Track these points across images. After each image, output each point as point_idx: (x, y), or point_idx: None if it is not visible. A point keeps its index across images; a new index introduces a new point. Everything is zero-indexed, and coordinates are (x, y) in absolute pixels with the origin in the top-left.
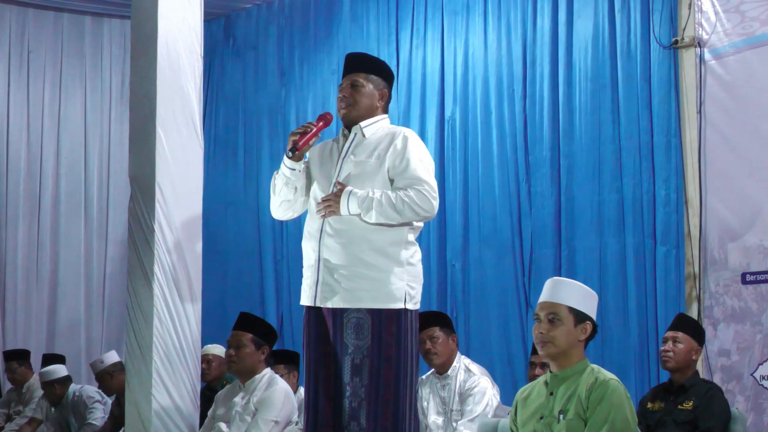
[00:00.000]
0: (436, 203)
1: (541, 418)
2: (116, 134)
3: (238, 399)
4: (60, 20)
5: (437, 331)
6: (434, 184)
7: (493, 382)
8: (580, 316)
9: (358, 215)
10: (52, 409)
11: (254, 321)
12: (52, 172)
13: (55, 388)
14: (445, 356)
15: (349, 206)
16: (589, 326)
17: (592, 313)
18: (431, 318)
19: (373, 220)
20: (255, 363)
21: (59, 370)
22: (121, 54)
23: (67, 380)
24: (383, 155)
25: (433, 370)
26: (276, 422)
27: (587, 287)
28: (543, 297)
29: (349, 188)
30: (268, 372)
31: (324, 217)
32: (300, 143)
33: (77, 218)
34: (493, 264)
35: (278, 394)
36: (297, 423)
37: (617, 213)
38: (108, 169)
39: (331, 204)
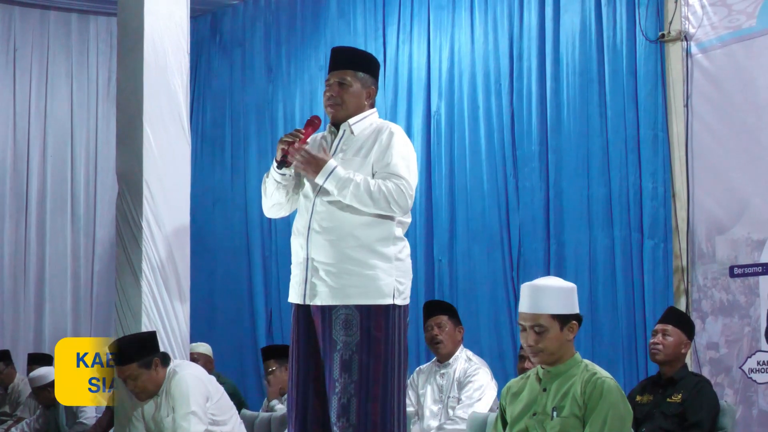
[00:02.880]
0: (411, 201)
1: (534, 414)
2: (103, 132)
3: (163, 413)
4: (46, 18)
5: (445, 320)
6: (413, 182)
7: (492, 376)
8: (564, 319)
9: (337, 198)
10: (38, 410)
11: (128, 346)
12: (38, 169)
13: (49, 392)
14: (451, 345)
15: (327, 182)
16: (575, 324)
17: (575, 307)
18: (440, 307)
19: (345, 201)
20: (156, 379)
21: (49, 374)
22: (107, 51)
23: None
24: (369, 151)
25: (435, 359)
26: (193, 412)
27: (564, 283)
28: (523, 307)
29: (333, 164)
30: (168, 373)
31: (292, 164)
32: (290, 154)
33: (64, 216)
34: (481, 259)
35: (182, 386)
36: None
37: (605, 207)
38: (95, 167)
39: (309, 166)
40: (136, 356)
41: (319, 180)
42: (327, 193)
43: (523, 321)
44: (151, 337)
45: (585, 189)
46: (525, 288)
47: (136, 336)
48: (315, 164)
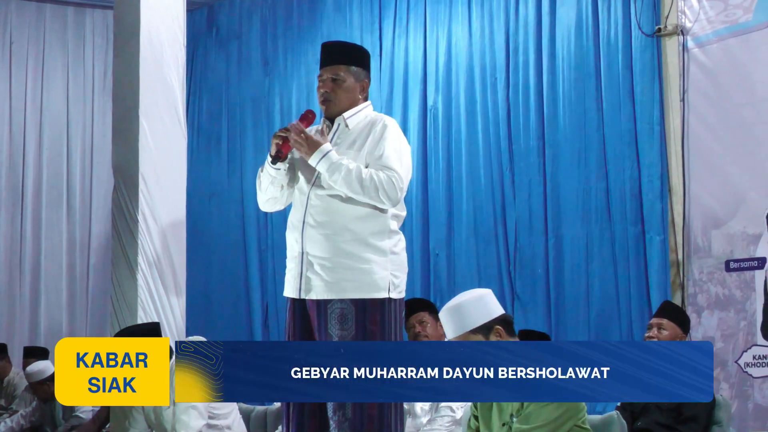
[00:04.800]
0: (401, 195)
1: (504, 425)
2: (99, 125)
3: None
4: (42, 11)
5: (426, 316)
6: (404, 175)
7: None
8: (485, 330)
9: (335, 192)
10: (33, 403)
11: (133, 335)
12: (34, 163)
13: (47, 386)
14: (434, 340)
15: (319, 163)
16: (500, 329)
17: (493, 311)
18: (420, 304)
19: (336, 185)
20: None
21: (47, 368)
22: (103, 45)
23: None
24: (363, 144)
25: None
26: (194, 406)
27: (474, 294)
28: (448, 334)
29: (328, 146)
30: (170, 366)
31: (292, 145)
32: (284, 149)
33: (60, 209)
34: (478, 253)
35: None
36: None
37: (602, 201)
38: (91, 160)
39: (303, 146)
40: None
41: (312, 161)
42: (322, 186)
43: None
44: (155, 328)
45: (582, 183)
46: (441, 315)
47: (141, 326)
48: (310, 144)
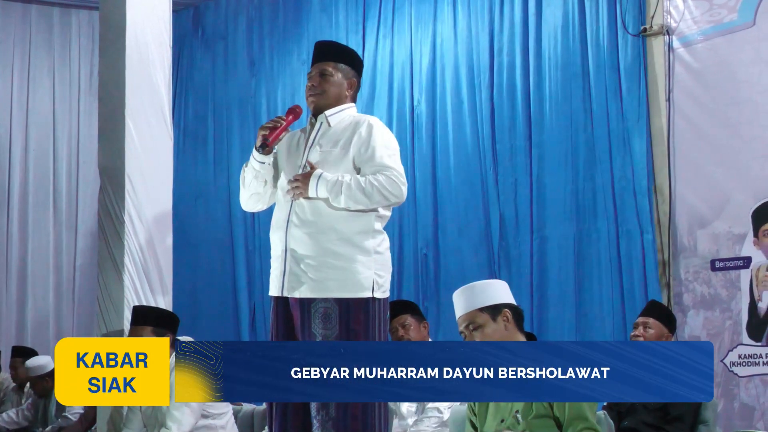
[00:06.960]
0: (405, 189)
1: (502, 421)
2: (85, 126)
3: None
4: (28, 12)
5: (409, 318)
6: (401, 169)
7: None
8: (493, 310)
9: (326, 199)
10: (28, 400)
11: (148, 312)
12: (20, 164)
13: (46, 382)
14: None
15: (318, 189)
16: (508, 312)
17: (505, 298)
18: (402, 306)
19: (341, 205)
20: None
21: (48, 364)
22: (89, 45)
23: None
24: (348, 144)
25: None
26: (188, 404)
27: (487, 281)
28: (456, 313)
29: (319, 171)
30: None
31: (294, 198)
32: (270, 138)
33: (46, 210)
34: (465, 253)
35: None
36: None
37: (588, 201)
38: (77, 161)
39: (299, 185)
40: (152, 322)
41: (311, 193)
42: None
43: (460, 326)
44: (170, 315)
45: (567, 183)
46: (454, 296)
47: (156, 308)
48: (303, 177)
